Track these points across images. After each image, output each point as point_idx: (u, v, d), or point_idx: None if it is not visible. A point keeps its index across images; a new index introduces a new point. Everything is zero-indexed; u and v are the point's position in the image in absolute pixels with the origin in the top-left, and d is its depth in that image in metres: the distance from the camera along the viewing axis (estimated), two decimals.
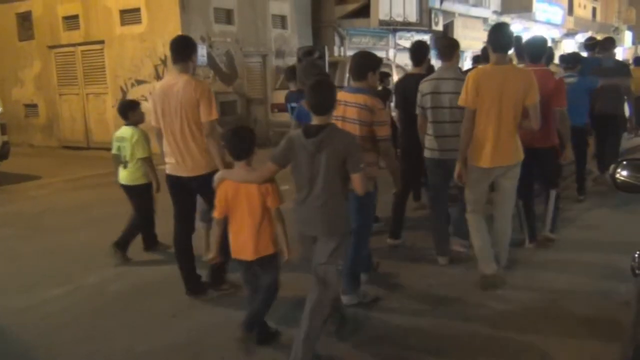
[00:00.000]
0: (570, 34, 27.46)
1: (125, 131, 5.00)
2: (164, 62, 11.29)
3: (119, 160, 5.05)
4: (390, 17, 15.39)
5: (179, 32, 10.94)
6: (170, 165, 4.08)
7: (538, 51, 4.90)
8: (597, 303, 3.91)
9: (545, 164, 4.93)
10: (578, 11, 29.67)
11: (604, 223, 5.80)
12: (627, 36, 32.31)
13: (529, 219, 5.08)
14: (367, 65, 3.87)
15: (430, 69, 5.63)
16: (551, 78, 4.78)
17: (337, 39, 15.22)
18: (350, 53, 14.18)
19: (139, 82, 11.74)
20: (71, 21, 12.50)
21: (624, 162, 2.22)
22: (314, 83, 3.26)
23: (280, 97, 11.89)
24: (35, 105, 13.71)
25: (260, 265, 3.29)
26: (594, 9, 32.54)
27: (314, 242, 3.19)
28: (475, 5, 19.84)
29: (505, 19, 21.70)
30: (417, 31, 17.45)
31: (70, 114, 13.12)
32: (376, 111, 3.71)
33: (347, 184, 3.12)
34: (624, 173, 2.18)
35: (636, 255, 2.10)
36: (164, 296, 4.30)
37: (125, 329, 3.79)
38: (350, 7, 15.04)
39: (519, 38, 5.81)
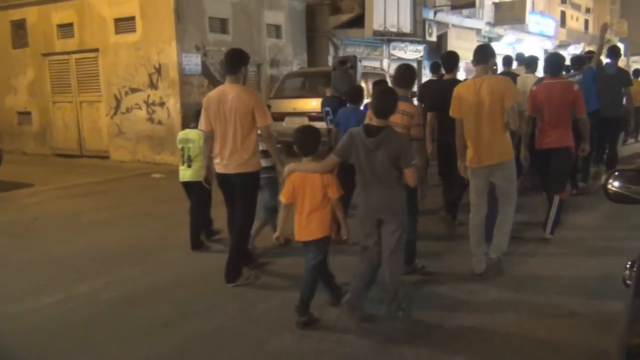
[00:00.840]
0: (562, 45, 27.67)
1: (191, 133, 5.46)
2: (158, 70, 11.30)
3: (189, 159, 5.46)
4: (385, 27, 15.47)
5: (174, 41, 11.00)
6: (218, 165, 4.60)
7: (557, 66, 5.66)
8: (592, 302, 3.96)
9: (558, 162, 5.48)
10: (570, 23, 29.99)
11: (597, 230, 5.88)
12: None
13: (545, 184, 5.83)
14: (414, 76, 4.59)
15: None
16: (571, 89, 5.45)
17: (331, 49, 15.26)
18: None
19: (133, 91, 11.73)
20: (65, 29, 12.50)
21: (616, 173, 2.23)
22: (382, 91, 3.79)
23: (275, 106, 11.93)
24: (28, 113, 13.66)
25: (316, 244, 3.74)
26: (586, 21, 32.90)
27: (376, 222, 3.64)
28: (468, 17, 19.96)
29: (498, 30, 21.90)
30: (411, 42, 17.56)
31: (63, 121, 13.08)
32: (415, 115, 4.32)
33: (401, 177, 3.59)
34: (616, 184, 2.19)
35: (627, 266, 2.12)
36: (156, 305, 4.28)
37: (116, 338, 3.77)
38: (345, 17, 15.10)
39: (520, 54, 7.19)
